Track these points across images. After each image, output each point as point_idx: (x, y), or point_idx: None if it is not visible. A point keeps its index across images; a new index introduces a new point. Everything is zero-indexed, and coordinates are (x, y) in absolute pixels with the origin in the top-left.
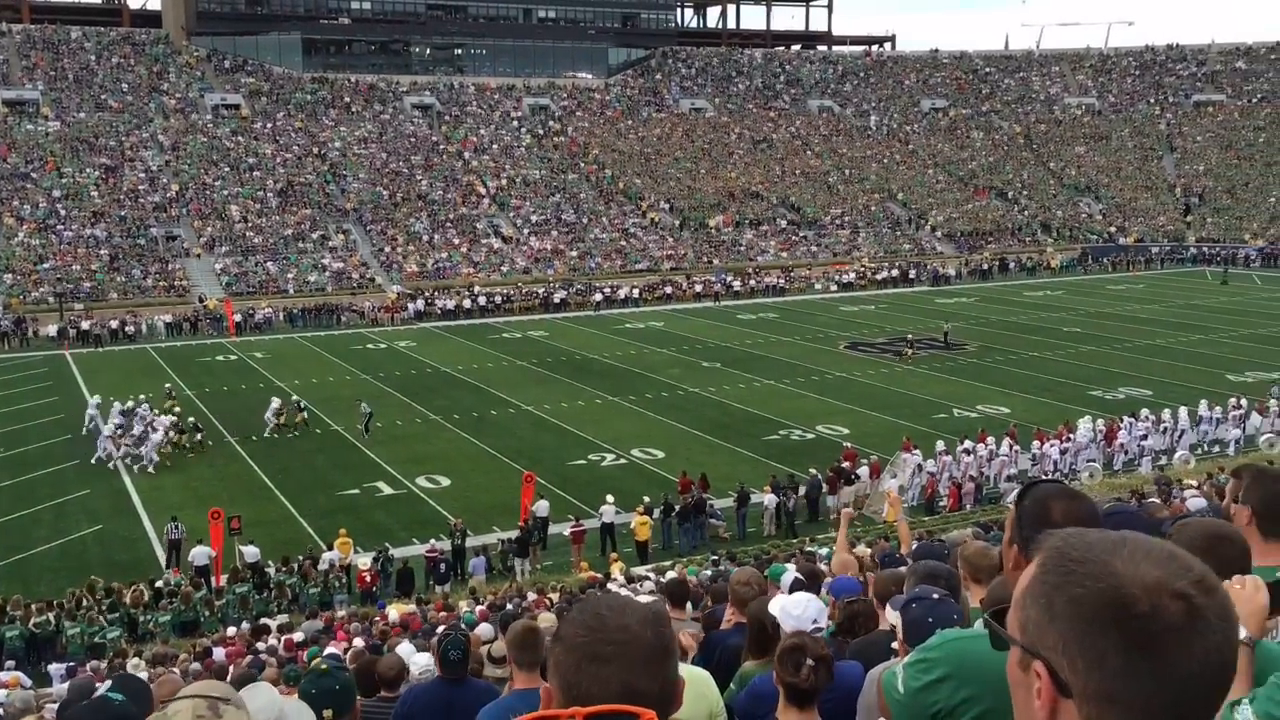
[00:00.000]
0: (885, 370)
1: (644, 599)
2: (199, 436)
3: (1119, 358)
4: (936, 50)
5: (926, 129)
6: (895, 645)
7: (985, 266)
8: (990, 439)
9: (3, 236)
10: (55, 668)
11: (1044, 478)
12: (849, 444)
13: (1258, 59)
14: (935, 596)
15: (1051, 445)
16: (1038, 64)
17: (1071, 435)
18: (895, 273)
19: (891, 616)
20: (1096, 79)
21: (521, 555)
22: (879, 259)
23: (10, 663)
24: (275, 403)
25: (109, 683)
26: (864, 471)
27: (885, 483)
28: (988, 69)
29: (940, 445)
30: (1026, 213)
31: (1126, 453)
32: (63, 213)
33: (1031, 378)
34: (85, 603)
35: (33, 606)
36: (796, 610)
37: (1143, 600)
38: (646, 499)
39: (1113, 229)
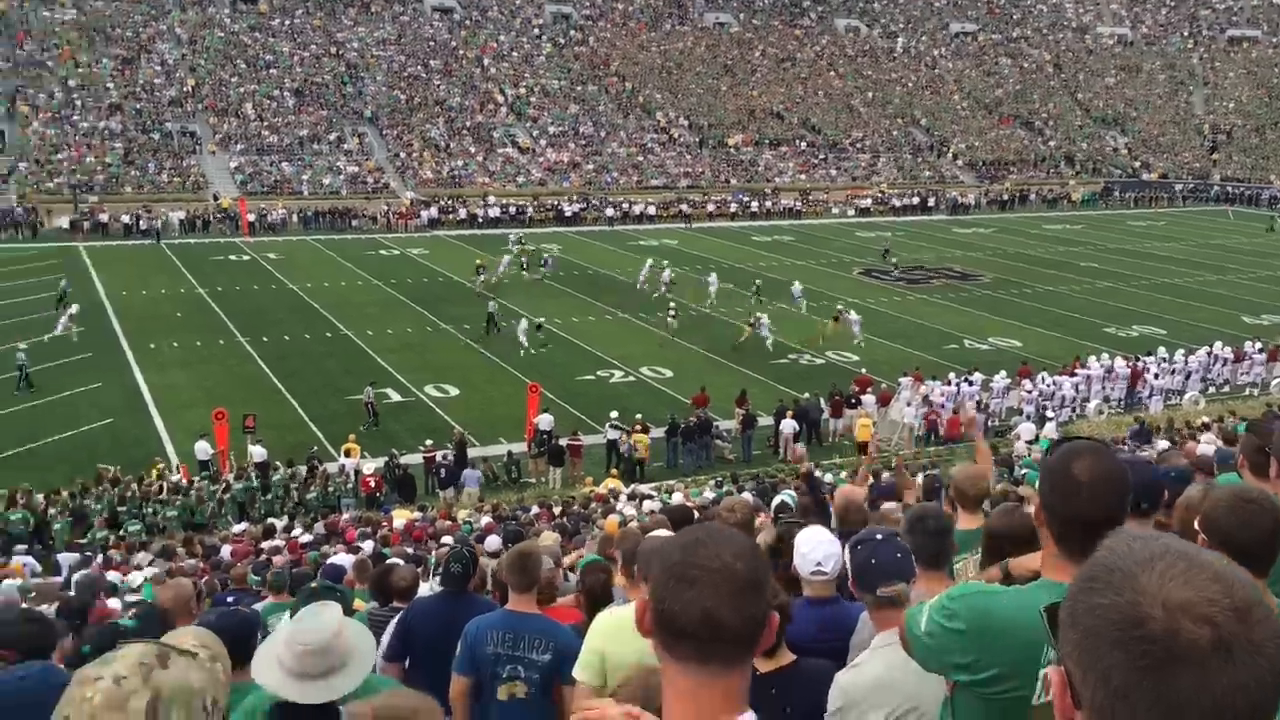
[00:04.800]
0: (899, 298)
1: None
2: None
3: (1135, 295)
4: None
5: (954, 53)
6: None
7: (1005, 197)
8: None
9: (17, 125)
10: (65, 557)
11: (1077, 436)
12: (862, 370)
13: None
14: (879, 537)
15: (1063, 379)
16: None
17: (1083, 370)
18: (914, 200)
19: (845, 558)
20: (1130, 8)
21: (556, 464)
22: (898, 185)
23: (20, 548)
24: (523, 323)
25: (132, 611)
26: (869, 399)
27: (893, 411)
28: None
29: (952, 376)
30: (1051, 144)
31: (1149, 391)
32: (78, 103)
33: (1046, 312)
34: (94, 490)
35: (39, 495)
36: (805, 548)
37: (1159, 620)
38: (639, 416)
39: (1137, 164)
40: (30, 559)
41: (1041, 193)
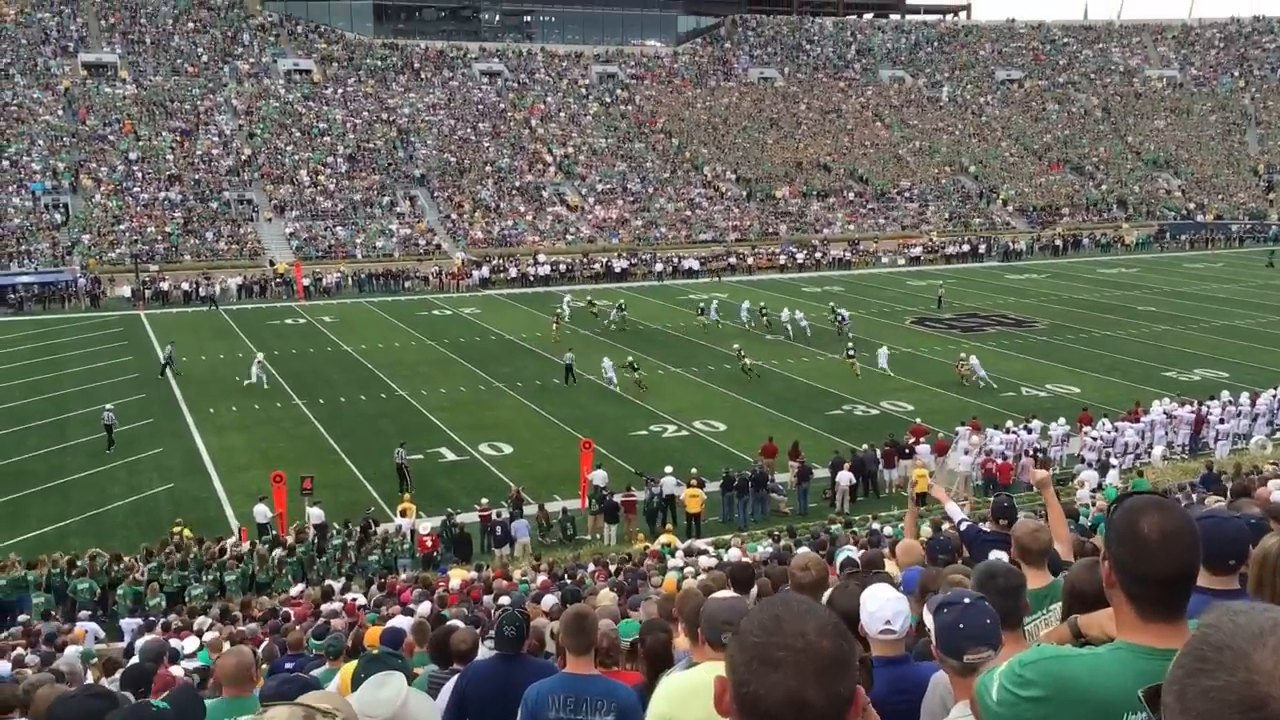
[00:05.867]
0: (953, 346)
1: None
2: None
3: (1195, 338)
4: (1013, 20)
5: (1000, 100)
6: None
7: (1058, 242)
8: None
9: (81, 198)
10: (127, 622)
11: (1137, 491)
12: (916, 420)
13: None
14: (966, 601)
15: (1124, 425)
16: (1118, 35)
17: (1145, 415)
18: (965, 247)
19: (927, 619)
20: (1179, 51)
21: (611, 520)
22: (948, 233)
23: (84, 614)
24: (607, 361)
25: (166, 693)
26: (924, 449)
27: (950, 460)
28: (1066, 40)
29: (1010, 424)
30: (1103, 188)
31: (1215, 436)
32: (139, 175)
33: (1103, 357)
34: (158, 556)
35: (103, 560)
36: (872, 606)
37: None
38: (695, 470)
39: (1191, 205)
40: (94, 625)
41: (1094, 237)
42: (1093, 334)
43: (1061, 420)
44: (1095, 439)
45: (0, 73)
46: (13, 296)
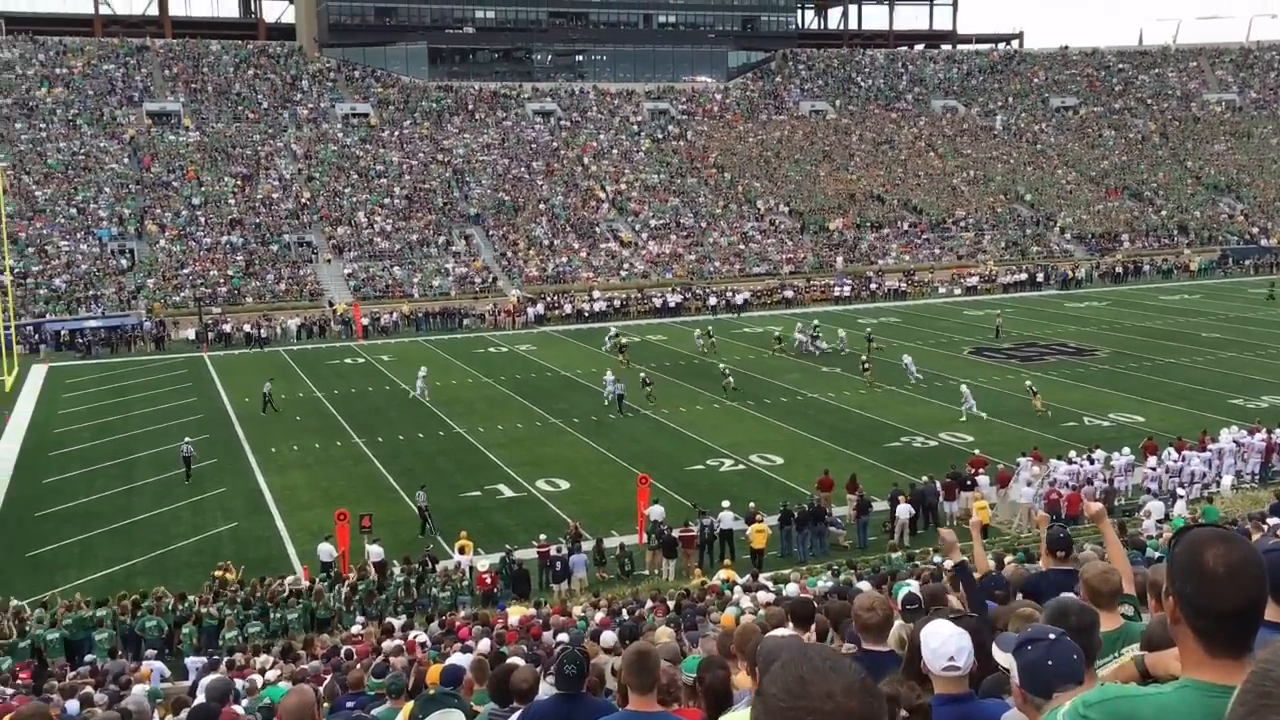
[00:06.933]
0: (1011, 376)
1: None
2: None
3: (1263, 364)
4: (1066, 47)
5: (1055, 128)
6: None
7: (1118, 269)
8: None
9: (146, 243)
10: (192, 660)
11: (1200, 523)
12: (976, 451)
13: None
14: (1051, 637)
15: (1191, 454)
16: (1174, 59)
17: (1213, 444)
18: (1023, 276)
19: (1003, 658)
20: (1237, 74)
21: (669, 556)
22: (1005, 262)
23: (150, 652)
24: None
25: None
26: (984, 480)
27: (1012, 492)
28: (1121, 65)
29: (1073, 455)
30: (1162, 213)
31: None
32: (201, 220)
33: (1168, 385)
34: (222, 595)
35: (169, 600)
36: (934, 643)
37: None
38: (752, 505)
39: (1254, 230)
40: (159, 664)
41: (1155, 263)
42: (1156, 361)
43: (1125, 450)
44: (1158, 469)
45: (69, 123)
46: (81, 341)
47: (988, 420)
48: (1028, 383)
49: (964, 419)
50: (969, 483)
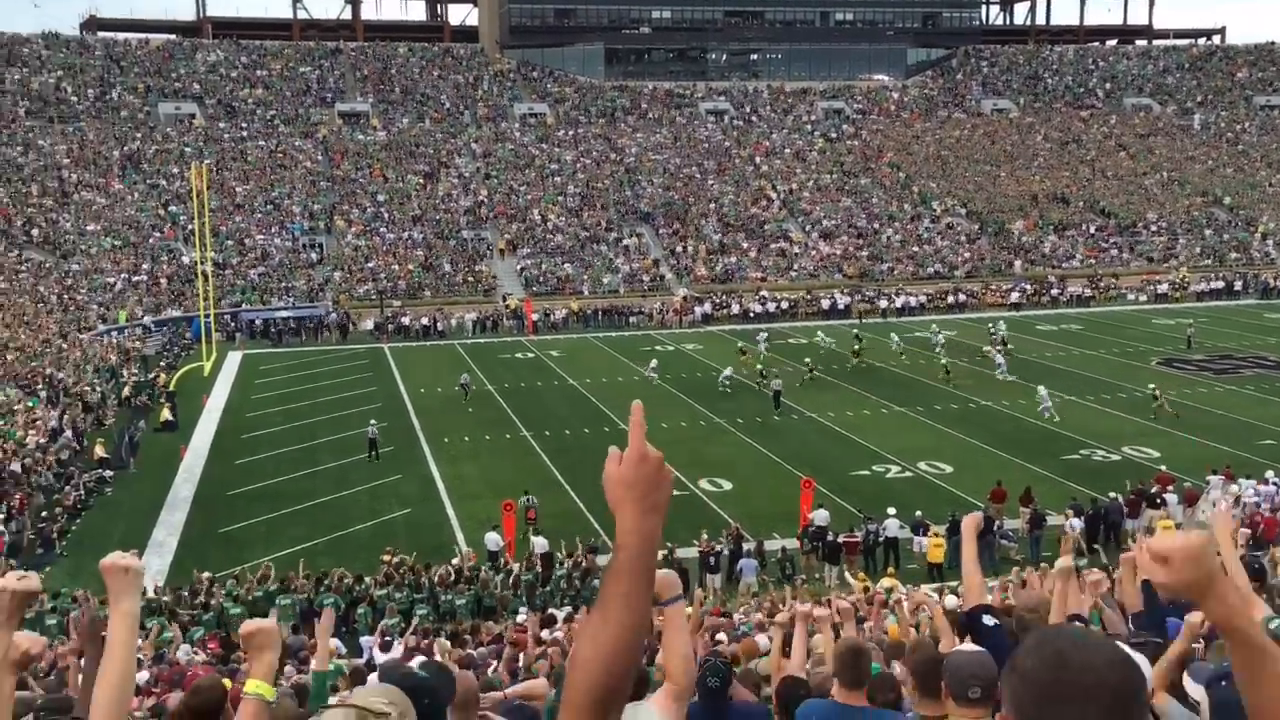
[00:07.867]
0: (1204, 390)
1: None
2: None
3: None
4: (1273, 42)
5: (1259, 127)
6: None
7: None
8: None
9: (335, 238)
10: (367, 640)
11: None
12: (1162, 467)
13: None
14: None
15: None
16: None
17: None
18: (1219, 284)
19: (1194, 690)
20: None
21: (832, 561)
22: (1199, 268)
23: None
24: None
25: (421, 659)
26: (1172, 498)
27: (1200, 512)
28: None
29: (1270, 475)
30: None
31: None
32: (386, 216)
33: None
34: (395, 578)
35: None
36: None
37: None
38: (919, 513)
39: None
40: (337, 640)
41: None
42: None
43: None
44: None
45: (267, 122)
46: (273, 329)
47: (1175, 434)
48: (1151, 386)
49: (1055, 418)
50: (1157, 500)
